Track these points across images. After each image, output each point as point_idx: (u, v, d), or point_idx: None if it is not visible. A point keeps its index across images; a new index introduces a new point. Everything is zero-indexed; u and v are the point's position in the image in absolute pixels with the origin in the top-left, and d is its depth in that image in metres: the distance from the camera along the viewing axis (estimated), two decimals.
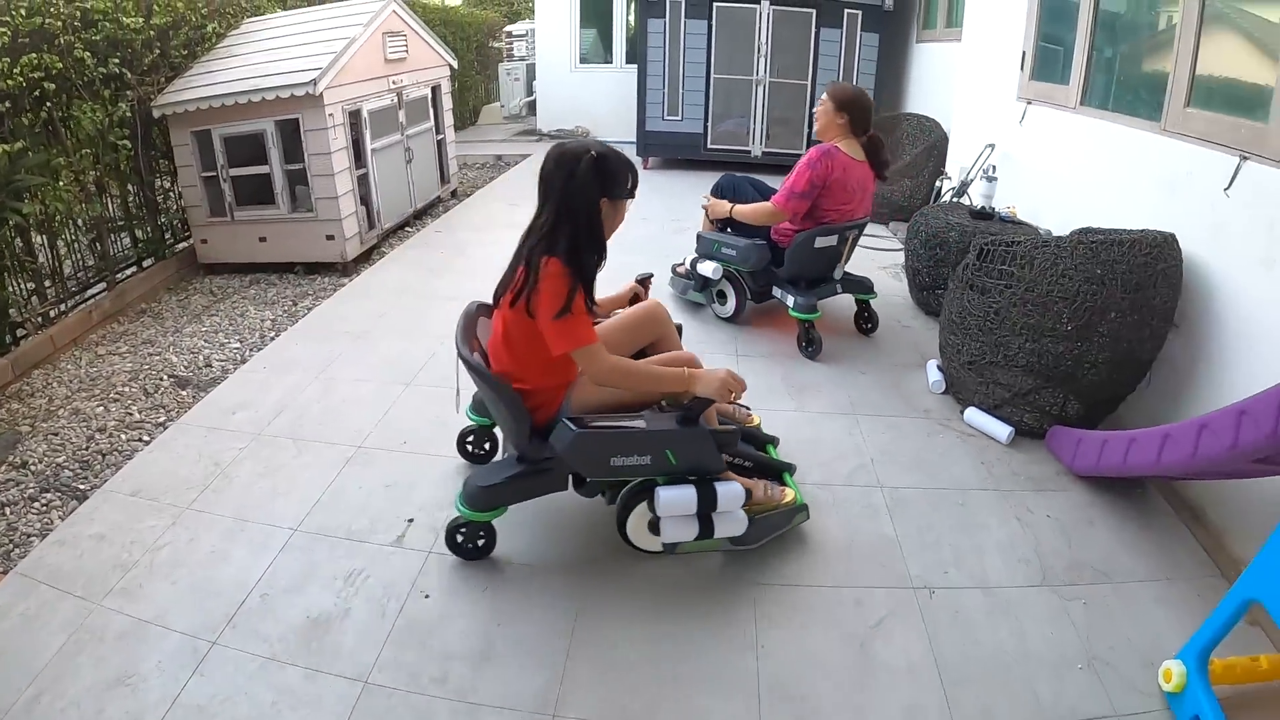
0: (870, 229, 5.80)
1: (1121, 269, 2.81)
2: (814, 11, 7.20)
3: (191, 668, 1.97)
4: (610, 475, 2.20)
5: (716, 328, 4.14)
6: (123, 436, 3.12)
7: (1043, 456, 2.94)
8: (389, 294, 4.47)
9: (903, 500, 2.67)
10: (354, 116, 5.00)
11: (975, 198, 4.52)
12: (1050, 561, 2.39)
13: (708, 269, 4.01)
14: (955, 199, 4.99)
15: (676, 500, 2.20)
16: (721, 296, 4.17)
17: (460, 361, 2.28)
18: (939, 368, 3.50)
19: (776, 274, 3.91)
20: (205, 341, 4.01)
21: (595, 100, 9.49)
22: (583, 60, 9.60)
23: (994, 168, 4.45)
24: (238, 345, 3.95)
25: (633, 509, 2.28)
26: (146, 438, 3.09)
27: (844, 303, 4.19)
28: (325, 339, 3.86)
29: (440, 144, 6.44)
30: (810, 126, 7.54)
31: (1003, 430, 3.08)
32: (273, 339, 3.99)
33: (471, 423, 2.78)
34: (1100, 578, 2.33)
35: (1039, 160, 4.35)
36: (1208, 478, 2.54)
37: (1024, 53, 4.59)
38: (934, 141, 6.11)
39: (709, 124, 7.64)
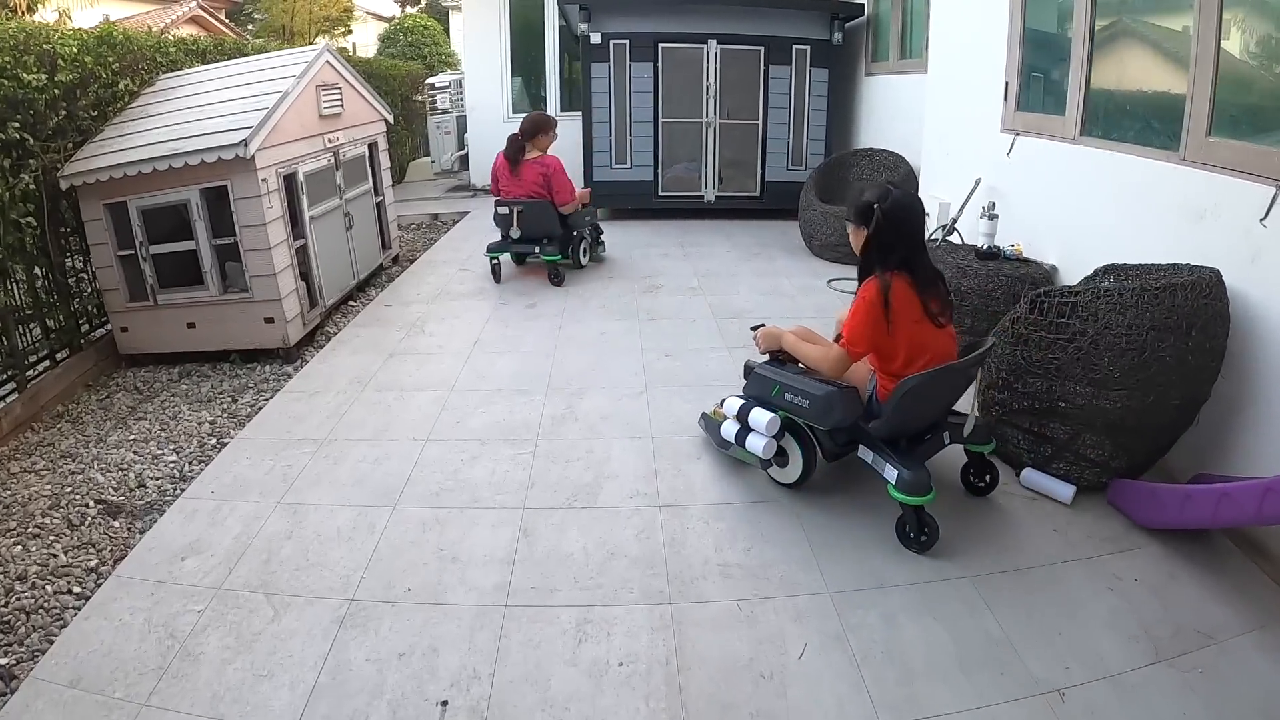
0: (844, 273, 5.58)
1: (1184, 313, 2.65)
2: (762, 49, 7.01)
3: None
4: None
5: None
6: (48, 588, 2.49)
7: (1107, 512, 2.77)
8: (346, 386, 3.87)
9: (996, 589, 2.40)
10: (288, 180, 4.43)
11: (977, 237, 4.27)
12: (1156, 632, 2.24)
13: None
14: (945, 238, 4.74)
15: None
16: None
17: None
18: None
19: None
20: (135, 454, 3.38)
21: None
22: (515, 110, 9.17)
23: (993, 204, 4.21)
24: (174, 459, 3.33)
25: None
26: (78, 588, 2.48)
27: None
28: (280, 449, 3.25)
29: (380, 206, 5.88)
30: (764, 168, 7.34)
31: (1065, 490, 2.85)
32: (215, 448, 3.38)
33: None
34: (1204, 640, 2.21)
35: (1034, 194, 4.16)
36: None
37: (1006, 83, 4.45)
38: (902, 177, 5.91)
39: (659, 170, 7.32)
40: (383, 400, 3.67)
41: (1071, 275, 3.77)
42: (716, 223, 7.30)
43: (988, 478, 2.85)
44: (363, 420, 3.47)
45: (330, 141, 4.94)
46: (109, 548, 2.71)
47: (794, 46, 7.05)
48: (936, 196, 5.22)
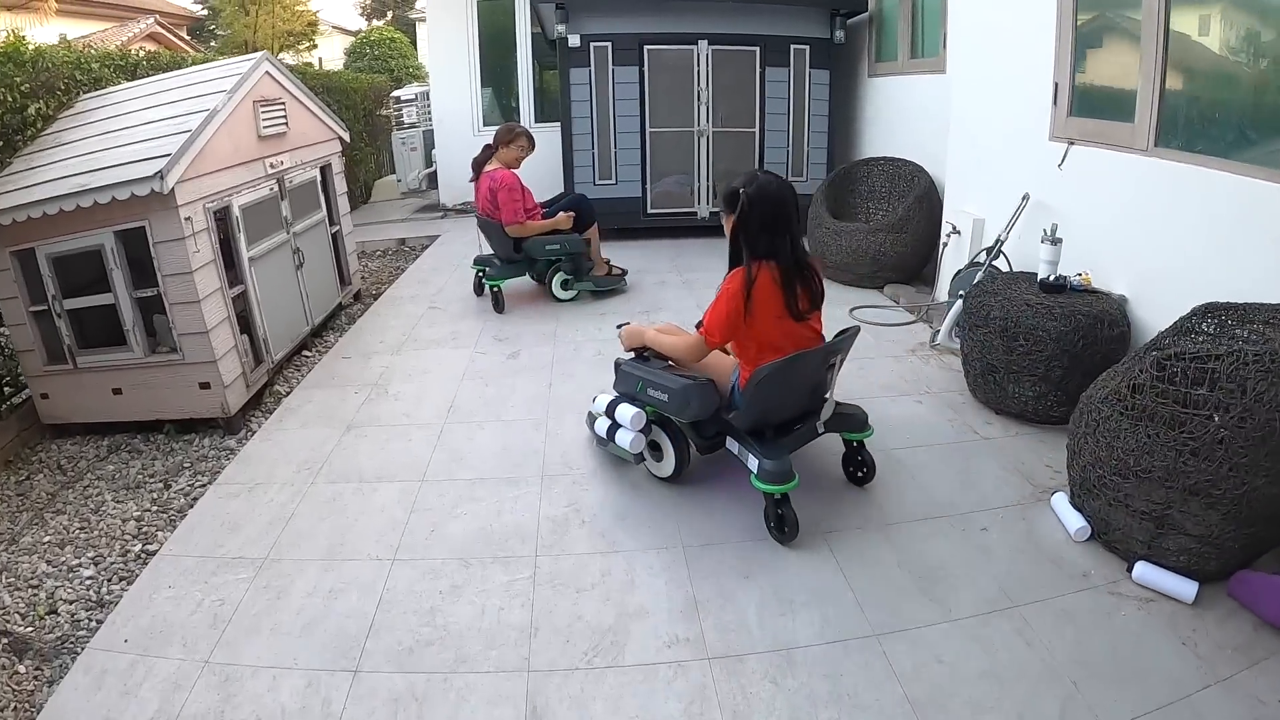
0: (864, 297, 5.04)
1: None
2: (758, 50, 6.38)
3: None
4: None
5: None
6: None
7: (1230, 609, 2.28)
8: (294, 475, 3.14)
9: None
10: (220, 216, 3.72)
11: (1035, 263, 3.66)
12: None
13: None
14: (991, 262, 4.13)
15: None
16: None
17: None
18: (1073, 505, 2.67)
19: None
20: (49, 563, 2.76)
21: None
22: (486, 123, 8.46)
23: (1055, 227, 3.60)
24: (91, 574, 2.68)
25: None
26: None
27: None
28: (211, 572, 2.54)
29: (336, 237, 5.15)
30: None
31: (1188, 588, 2.33)
32: (139, 559, 2.72)
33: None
34: None
35: (1094, 212, 3.63)
36: None
37: (1056, 84, 3.89)
38: (923, 190, 5.31)
39: (647, 185, 6.65)
40: (338, 497, 2.94)
41: (1147, 307, 3.28)
42: (712, 241, 6.61)
43: (865, 469, 2.89)
44: (313, 528, 2.74)
45: (273, 166, 4.22)
46: (13, 704, 2.14)
47: (792, 46, 6.43)
48: (969, 212, 4.65)
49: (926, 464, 3.05)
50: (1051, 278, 3.51)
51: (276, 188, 4.26)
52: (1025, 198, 4.05)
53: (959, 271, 4.36)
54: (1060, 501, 2.73)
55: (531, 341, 4.43)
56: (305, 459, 3.23)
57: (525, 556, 2.53)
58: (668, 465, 2.89)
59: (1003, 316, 3.34)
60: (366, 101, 10.02)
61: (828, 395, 2.71)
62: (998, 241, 4.14)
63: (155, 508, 3.06)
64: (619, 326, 3.14)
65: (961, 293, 4.06)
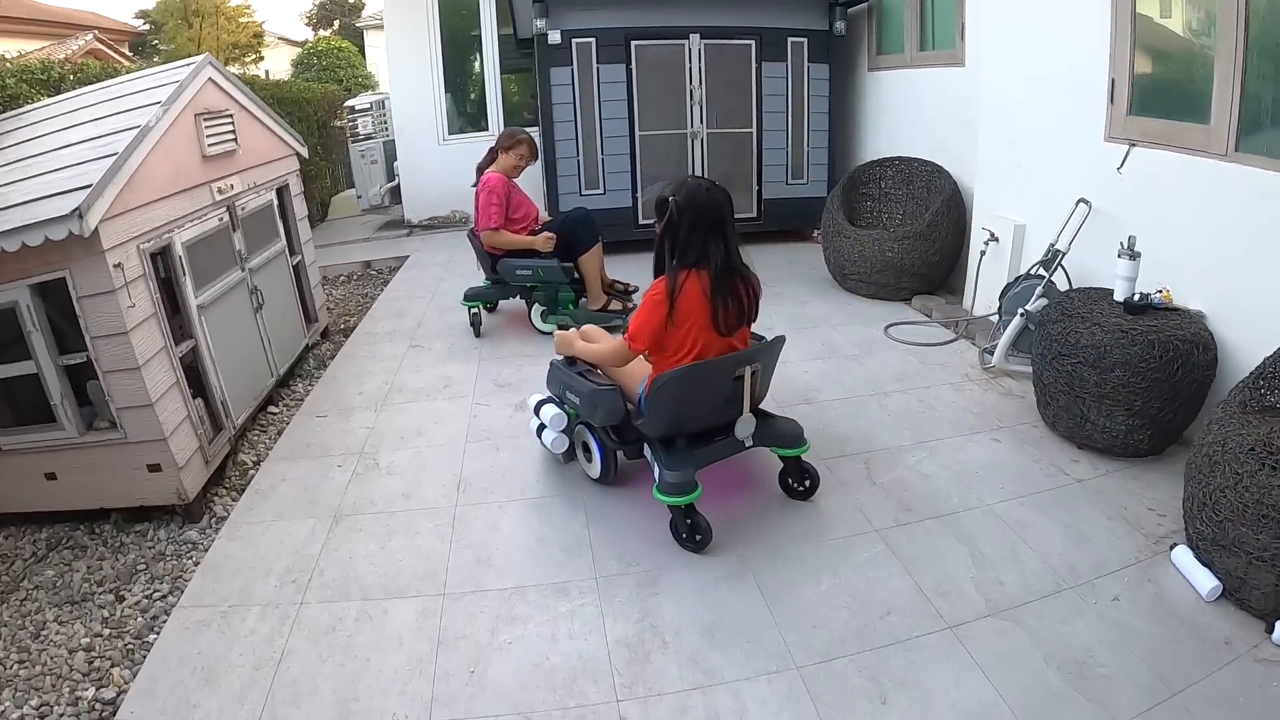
0: (895, 313, 4.58)
1: None
2: (754, 43, 5.88)
3: None
4: None
5: None
6: None
7: None
8: (276, 592, 2.46)
9: None
10: (160, 258, 3.09)
11: (1112, 280, 3.21)
12: None
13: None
14: (1049, 277, 3.68)
15: None
16: None
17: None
18: (1201, 560, 2.34)
19: None
20: None
21: (473, 178, 7.78)
22: (451, 131, 7.85)
23: (1134, 240, 3.16)
24: None
25: None
26: None
27: None
28: None
29: (298, 269, 4.50)
30: (760, 183, 6.23)
31: None
32: (93, 713, 2.12)
33: None
34: None
35: (1160, 221, 3.26)
36: None
37: (1112, 80, 3.49)
38: (949, 193, 4.86)
39: (638, 194, 6.10)
40: (339, 624, 2.29)
41: (1229, 325, 2.97)
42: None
43: (807, 482, 2.81)
44: (313, 675, 2.10)
45: (221, 192, 3.58)
46: None
47: (789, 39, 5.94)
48: (1008, 218, 4.24)
49: (1030, 520, 2.65)
50: (1135, 296, 3.08)
51: (227, 217, 3.61)
52: (1083, 203, 3.61)
53: (1010, 286, 3.90)
54: (1184, 557, 2.39)
55: (539, 386, 3.79)
56: (288, 567, 2.58)
57: (604, 704, 1.95)
58: (595, 467, 2.93)
59: (1095, 344, 2.92)
60: (320, 112, 9.28)
61: (744, 411, 2.65)
62: (1056, 253, 3.70)
63: (108, 630, 2.46)
64: (554, 331, 3.29)
65: (1022, 311, 3.62)
